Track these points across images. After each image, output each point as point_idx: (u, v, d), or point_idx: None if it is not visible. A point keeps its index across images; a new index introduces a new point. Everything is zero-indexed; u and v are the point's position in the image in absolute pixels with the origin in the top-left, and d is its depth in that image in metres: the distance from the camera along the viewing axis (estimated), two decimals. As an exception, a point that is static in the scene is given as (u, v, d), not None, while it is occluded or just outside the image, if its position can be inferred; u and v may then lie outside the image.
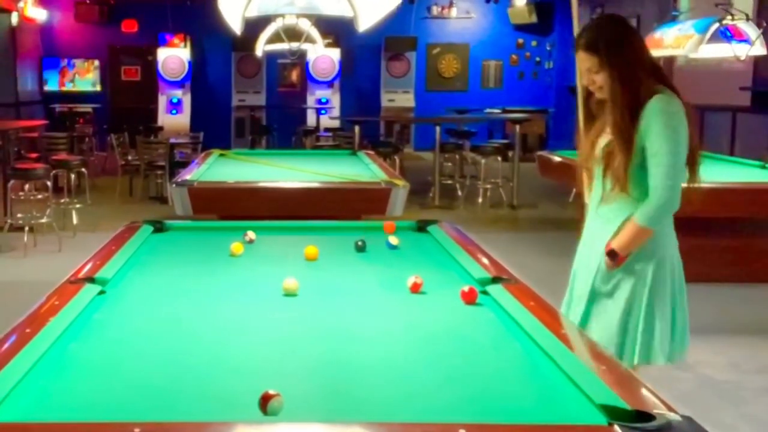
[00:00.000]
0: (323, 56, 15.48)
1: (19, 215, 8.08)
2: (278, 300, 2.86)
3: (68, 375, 2.15)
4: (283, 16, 7.32)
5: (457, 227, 4.11)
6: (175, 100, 15.88)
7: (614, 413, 1.83)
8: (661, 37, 9.08)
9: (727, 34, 8.15)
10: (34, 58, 15.87)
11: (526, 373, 2.23)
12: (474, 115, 14.83)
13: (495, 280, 3.03)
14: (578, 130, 3.25)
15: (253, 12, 6.10)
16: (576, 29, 3.78)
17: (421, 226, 4.13)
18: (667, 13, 10.75)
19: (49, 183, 8.13)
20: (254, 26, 8.44)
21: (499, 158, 10.82)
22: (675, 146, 2.87)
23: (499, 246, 5.22)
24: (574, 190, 6.75)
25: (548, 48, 17.19)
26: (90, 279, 2.97)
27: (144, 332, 2.54)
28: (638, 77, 2.89)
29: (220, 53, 16.28)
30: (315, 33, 10.12)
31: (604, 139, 3.00)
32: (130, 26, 16.44)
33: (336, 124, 14.79)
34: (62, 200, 8.76)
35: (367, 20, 5.80)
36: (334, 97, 16.22)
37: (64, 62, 16.20)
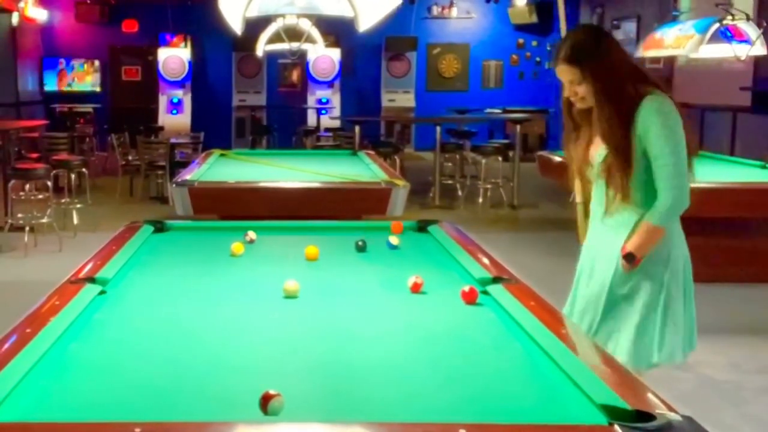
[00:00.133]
0: (324, 56, 15.48)
1: (19, 215, 8.08)
2: (278, 300, 2.86)
3: (69, 375, 2.15)
4: (283, 16, 7.32)
5: (457, 227, 4.11)
6: (175, 100, 15.88)
7: (614, 413, 1.83)
8: (662, 37, 9.08)
9: (728, 34, 8.15)
10: (34, 58, 15.87)
11: (526, 373, 2.23)
12: (474, 115, 14.84)
13: (495, 280, 3.03)
14: (564, 138, 3.24)
15: (253, 12, 6.10)
16: (563, 32, 3.79)
17: (422, 226, 4.13)
18: (668, 14, 10.75)
19: (49, 183, 8.13)
20: (255, 26, 8.44)
21: (500, 158, 10.82)
22: (675, 145, 2.88)
23: (499, 246, 5.22)
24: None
25: (549, 48, 17.19)
26: (90, 279, 2.97)
27: (144, 332, 2.54)
28: (621, 83, 2.89)
29: (221, 53, 16.28)
30: (315, 33, 10.12)
31: (600, 151, 2.99)
32: (130, 26, 16.44)
33: (336, 124, 14.79)
34: (63, 200, 8.76)
35: (367, 20, 5.81)
36: (334, 97, 16.22)
37: (65, 62, 16.20)
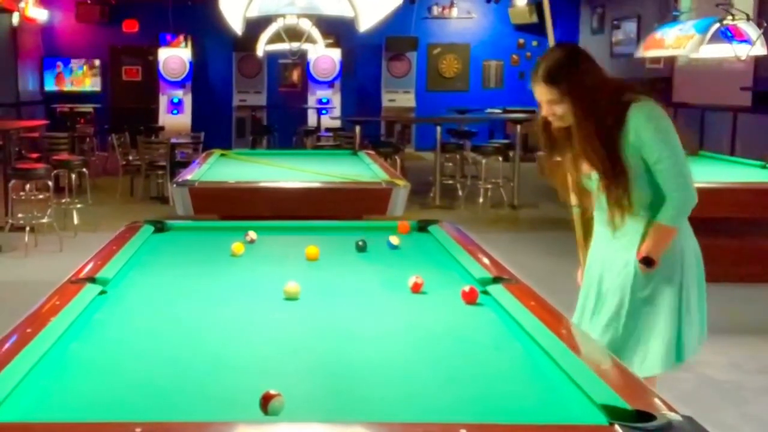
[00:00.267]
0: (324, 56, 15.48)
1: (20, 215, 8.08)
2: (279, 300, 2.86)
3: (69, 375, 2.15)
4: (284, 16, 7.32)
5: (457, 227, 4.11)
6: (176, 100, 15.89)
7: (615, 413, 1.83)
8: (662, 37, 9.08)
9: (728, 35, 8.15)
10: (35, 58, 15.88)
11: (526, 373, 2.23)
12: (475, 115, 14.83)
13: (496, 280, 3.03)
14: (543, 157, 3.23)
15: (253, 12, 6.10)
16: (551, 39, 3.79)
17: (422, 226, 4.13)
18: (668, 14, 10.76)
19: (50, 183, 8.13)
20: (255, 26, 8.44)
21: (500, 158, 10.82)
22: (673, 146, 2.89)
23: (499, 246, 5.22)
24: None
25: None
26: (91, 279, 2.98)
27: (145, 332, 2.54)
28: (600, 101, 2.88)
29: (221, 53, 16.29)
30: (316, 33, 10.11)
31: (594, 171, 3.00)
32: (131, 26, 16.45)
33: (337, 124, 14.79)
34: (63, 200, 8.76)
35: (367, 20, 5.81)
36: (334, 97, 16.22)
37: (65, 62, 16.20)
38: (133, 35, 16.51)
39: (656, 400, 1.91)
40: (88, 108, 15.62)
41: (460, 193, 10.98)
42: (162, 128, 13.53)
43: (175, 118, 15.60)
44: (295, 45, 8.04)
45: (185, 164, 8.88)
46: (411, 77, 16.78)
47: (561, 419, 1.87)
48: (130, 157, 11.18)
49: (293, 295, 2.86)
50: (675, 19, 9.67)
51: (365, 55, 16.56)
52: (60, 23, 16.34)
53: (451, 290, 2.95)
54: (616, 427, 1.76)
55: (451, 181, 11.43)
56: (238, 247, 3.59)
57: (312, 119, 15.83)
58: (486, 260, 3.36)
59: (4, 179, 8.52)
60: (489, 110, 15.03)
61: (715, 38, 8.22)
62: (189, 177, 5.77)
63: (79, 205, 8.72)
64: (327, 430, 1.79)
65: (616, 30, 14.73)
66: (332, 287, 3.12)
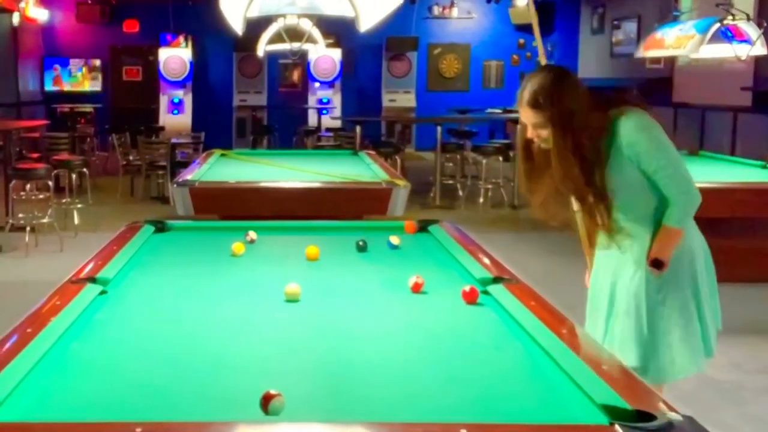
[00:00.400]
0: (324, 56, 15.48)
1: (20, 215, 8.08)
2: (279, 300, 2.86)
3: (70, 375, 2.15)
4: (284, 16, 7.32)
5: (458, 227, 4.12)
6: (176, 100, 15.89)
7: (615, 413, 1.83)
8: (662, 37, 9.08)
9: (728, 34, 8.15)
10: (35, 58, 15.88)
11: (527, 373, 2.23)
12: (475, 115, 14.83)
13: (496, 280, 3.04)
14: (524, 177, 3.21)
15: (254, 12, 6.10)
16: (540, 51, 3.78)
17: (422, 226, 4.13)
18: (668, 14, 10.75)
19: (50, 183, 8.13)
20: (255, 26, 8.44)
21: (500, 158, 10.81)
22: (667, 153, 2.90)
23: (500, 246, 5.22)
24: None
25: (549, 48, 17.18)
26: (91, 279, 2.98)
27: (145, 332, 2.54)
28: (584, 128, 2.86)
29: (222, 53, 16.29)
30: (316, 33, 10.11)
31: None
32: (131, 26, 16.45)
33: (337, 124, 14.78)
34: (63, 200, 8.76)
35: (368, 20, 5.81)
36: (335, 97, 16.22)
37: (66, 62, 16.21)
38: (133, 35, 16.51)
39: (656, 400, 1.91)
40: (88, 108, 15.63)
41: (460, 193, 10.98)
42: (162, 128, 13.53)
43: (176, 118, 15.61)
44: (295, 45, 8.04)
45: (185, 164, 8.88)
46: (411, 77, 16.78)
47: (561, 419, 1.87)
48: (131, 157, 11.18)
49: (294, 297, 2.86)
50: (675, 19, 9.67)
51: (366, 55, 16.56)
52: (60, 23, 16.35)
53: (452, 290, 2.95)
54: (617, 427, 1.77)
55: (451, 181, 11.43)
56: (238, 247, 3.59)
57: (312, 119, 15.83)
58: (486, 260, 3.36)
59: (4, 179, 8.52)
60: (489, 110, 15.02)
61: (715, 38, 8.22)
62: (189, 177, 5.77)
63: (79, 205, 8.72)
64: (327, 430, 1.79)
65: (617, 30, 14.72)
66: (332, 287, 3.12)
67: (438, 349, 2.40)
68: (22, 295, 3.63)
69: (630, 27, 14.22)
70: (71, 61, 16.23)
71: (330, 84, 16.22)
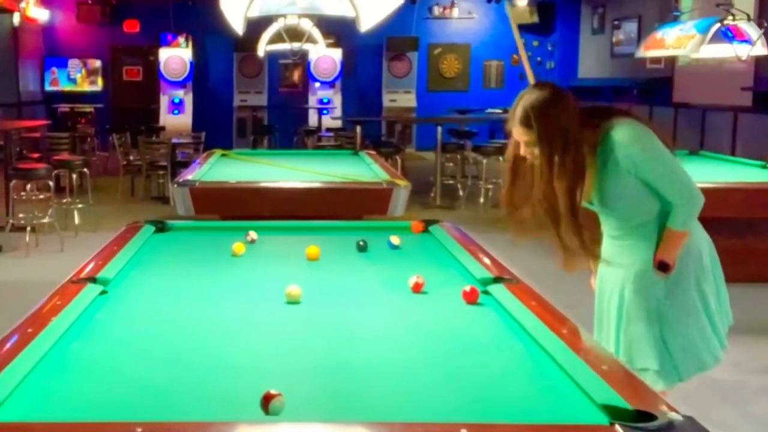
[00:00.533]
0: (325, 56, 15.48)
1: (21, 215, 8.08)
2: (280, 300, 2.86)
3: (70, 375, 2.15)
4: (284, 16, 7.32)
5: (458, 227, 4.12)
6: (176, 100, 15.88)
7: (616, 413, 1.83)
8: (663, 37, 9.08)
9: (729, 35, 8.14)
10: (35, 59, 15.88)
11: (527, 373, 2.23)
12: (475, 115, 14.83)
13: (496, 280, 3.04)
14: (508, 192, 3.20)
15: (254, 12, 6.10)
16: (525, 63, 3.77)
17: (423, 226, 4.13)
18: (669, 14, 10.74)
19: (50, 183, 8.13)
20: (256, 26, 8.44)
21: (501, 158, 10.80)
22: (663, 160, 2.90)
23: (500, 246, 5.21)
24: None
25: (550, 48, 17.19)
26: (92, 279, 2.98)
27: (146, 332, 2.54)
28: (571, 147, 2.86)
29: (222, 53, 16.29)
30: (317, 33, 10.11)
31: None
32: (131, 26, 16.45)
33: (338, 124, 14.79)
34: (64, 200, 8.76)
35: (368, 20, 5.80)
36: (335, 98, 16.22)
37: (66, 62, 16.20)
38: (133, 35, 16.51)
39: (657, 400, 1.91)
40: (89, 108, 15.63)
41: (460, 193, 10.97)
42: (163, 128, 13.52)
43: (176, 118, 15.60)
44: (296, 45, 8.04)
45: (186, 164, 8.88)
46: (412, 77, 16.78)
47: (562, 419, 1.88)
48: (131, 157, 11.18)
49: (295, 299, 2.86)
50: (676, 19, 9.66)
51: (366, 55, 16.56)
52: (61, 23, 16.35)
53: (452, 290, 2.95)
54: (617, 427, 1.77)
55: (451, 181, 11.43)
56: (238, 247, 3.59)
57: (313, 119, 15.83)
58: (487, 260, 3.36)
59: (5, 179, 8.52)
60: (489, 110, 15.01)
61: (715, 38, 8.21)
62: (190, 177, 5.77)
63: (80, 205, 8.72)
64: (328, 429, 1.79)
65: (617, 30, 14.72)
66: (333, 287, 3.12)
67: (438, 349, 2.41)
68: (22, 295, 3.63)
69: (630, 27, 14.22)
70: (72, 61, 16.23)
71: (330, 84, 16.22)
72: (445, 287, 3.05)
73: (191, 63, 15.95)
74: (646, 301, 2.96)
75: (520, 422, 1.86)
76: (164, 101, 15.91)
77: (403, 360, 2.31)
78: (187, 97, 15.97)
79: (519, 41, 3.96)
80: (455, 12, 17.16)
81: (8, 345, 2.22)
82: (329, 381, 2.14)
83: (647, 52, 9.65)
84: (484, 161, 10.61)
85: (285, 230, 4.17)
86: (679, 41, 8.65)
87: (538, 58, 17.26)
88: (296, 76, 16.88)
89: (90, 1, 16.02)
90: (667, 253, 2.94)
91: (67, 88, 16.18)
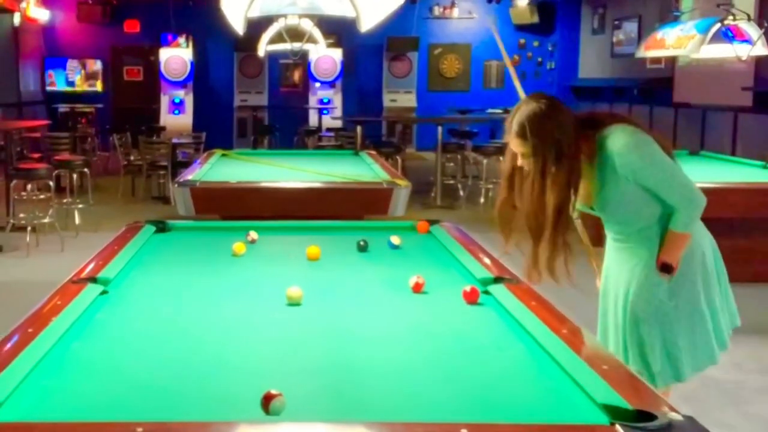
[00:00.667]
0: (325, 56, 15.48)
1: (21, 215, 8.08)
2: (280, 300, 2.86)
3: (71, 375, 2.15)
4: (285, 16, 7.32)
5: (459, 227, 4.12)
6: (177, 101, 15.88)
7: (616, 413, 1.83)
8: (663, 37, 9.07)
9: (729, 35, 8.14)
10: (36, 59, 15.88)
11: (527, 373, 2.24)
12: (476, 115, 14.83)
13: (497, 279, 3.04)
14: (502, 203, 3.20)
15: (255, 12, 6.10)
16: (518, 87, 3.77)
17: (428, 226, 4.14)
18: (669, 14, 10.74)
19: (51, 183, 8.13)
20: (256, 26, 8.45)
21: (501, 158, 10.78)
22: (662, 165, 2.90)
23: (500, 246, 5.20)
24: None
25: (550, 48, 17.19)
26: (92, 279, 2.98)
27: (146, 332, 2.54)
28: (574, 153, 2.86)
29: (223, 53, 16.29)
30: (317, 33, 10.11)
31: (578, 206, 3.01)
32: (132, 26, 16.45)
33: (338, 124, 14.78)
34: (65, 200, 8.77)
35: (369, 20, 5.80)
36: (336, 98, 16.22)
37: (66, 62, 16.20)
38: (134, 35, 16.51)
39: (657, 400, 1.91)
40: (89, 108, 15.63)
41: (461, 193, 10.98)
42: (163, 128, 13.52)
43: (177, 118, 15.60)
44: (296, 45, 8.04)
45: (186, 164, 8.88)
46: (412, 77, 16.78)
47: (562, 419, 1.88)
48: (132, 157, 11.18)
49: (296, 301, 2.85)
50: (676, 19, 9.65)
51: (366, 55, 16.56)
52: (61, 23, 16.35)
53: (453, 290, 2.95)
54: (617, 426, 1.77)
55: (452, 181, 11.43)
56: (239, 247, 3.59)
57: (313, 119, 15.83)
58: (487, 260, 3.37)
59: (5, 179, 8.52)
60: (490, 110, 15.02)
61: (716, 38, 8.21)
62: (190, 177, 5.77)
63: (80, 205, 8.72)
64: (328, 429, 1.79)
65: (617, 30, 14.72)
66: (333, 287, 3.12)
67: (439, 349, 2.41)
68: (23, 295, 3.64)
69: (631, 27, 14.22)
70: (72, 61, 16.23)
71: (331, 84, 16.22)
72: (445, 287, 3.05)
73: (192, 63, 15.95)
74: (650, 303, 2.96)
75: (521, 422, 1.86)
76: (165, 101, 15.91)
77: (403, 360, 2.31)
78: (188, 97, 15.97)
79: (505, 55, 3.93)
80: (455, 12, 17.16)
81: (9, 345, 2.23)
82: (329, 381, 2.14)
83: (647, 52, 9.65)
84: (485, 161, 10.61)
85: (285, 230, 4.17)
86: (679, 41, 8.65)
87: (539, 58, 17.27)
88: (297, 76, 16.88)
89: (90, 1, 16.01)
90: (670, 255, 2.94)
91: (68, 88, 16.19)
